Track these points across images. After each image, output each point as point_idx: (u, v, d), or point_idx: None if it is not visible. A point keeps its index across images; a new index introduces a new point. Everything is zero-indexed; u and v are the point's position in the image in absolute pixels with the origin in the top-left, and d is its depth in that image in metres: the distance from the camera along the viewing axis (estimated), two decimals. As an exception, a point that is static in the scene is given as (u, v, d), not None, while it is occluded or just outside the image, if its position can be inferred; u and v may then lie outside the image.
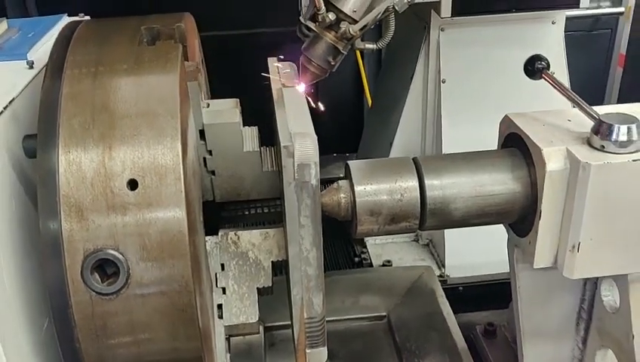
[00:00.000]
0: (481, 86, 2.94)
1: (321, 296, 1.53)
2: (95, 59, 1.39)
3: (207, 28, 4.13)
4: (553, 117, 1.78)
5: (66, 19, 2.00)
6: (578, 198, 1.60)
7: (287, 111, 1.51)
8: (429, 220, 1.73)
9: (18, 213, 1.42)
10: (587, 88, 3.98)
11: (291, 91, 1.63)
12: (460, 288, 3.04)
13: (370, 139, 3.69)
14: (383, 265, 3.08)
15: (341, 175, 4.73)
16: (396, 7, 1.76)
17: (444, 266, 3.06)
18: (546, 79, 1.80)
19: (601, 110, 1.70)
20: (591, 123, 1.66)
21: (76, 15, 2.09)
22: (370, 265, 3.11)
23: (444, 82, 2.94)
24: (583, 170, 1.57)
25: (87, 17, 2.09)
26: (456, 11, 2.69)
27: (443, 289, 2.76)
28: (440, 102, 2.98)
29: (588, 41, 4.41)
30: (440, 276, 3.03)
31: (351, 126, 4.50)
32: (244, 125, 1.68)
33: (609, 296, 1.87)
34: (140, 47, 1.42)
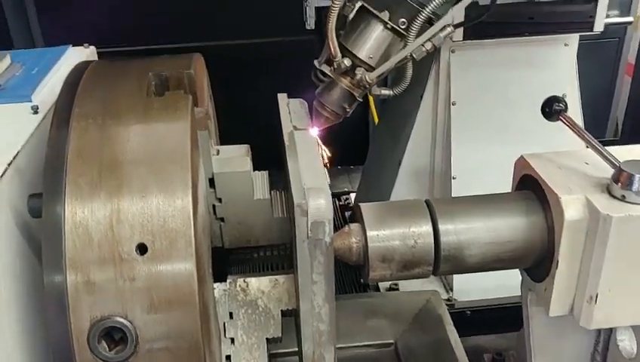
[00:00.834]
0: (491, 108, 2.90)
1: (333, 350, 1.50)
2: (102, 111, 1.34)
3: (210, 37, 4.11)
4: (570, 159, 1.74)
5: (71, 51, 1.95)
6: (597, 249, 1.55)
7: (300, 159, 1.47)
8: (442, 266, 1.69)
9: (23, 273, 1.37)
10: (595, 97, 3.95)
11: (302, 135, 1.58)
12: (468, 312, 3.00)
13: (378, 157, 3.64)
14: (390, 288, 3.04)
15: (346, 188, 4.70)
16: (414, 55, 1.70)
17: (451, 289, 3.03)
18: (563, 121, 1.75)
19: (620, 153, 1.65)
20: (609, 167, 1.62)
21: (81, 45, 2.04)
22: (377, 287, 3.06)
23: (454, 104, 2.90)
24: (603, 222, 1.52)
25: (92, 47, 2.04)
26: (468, 35, 2.64)
27: (450, 313, 2.72)
28: (450, 123, 2.94)
29: (595, 50, 4.38)
30: (447, 300, 2.99)
31: (356, 138, 4.47)
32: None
33: (625, 340, 1.83)
34: (148, 98, 1.38)
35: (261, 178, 1.63)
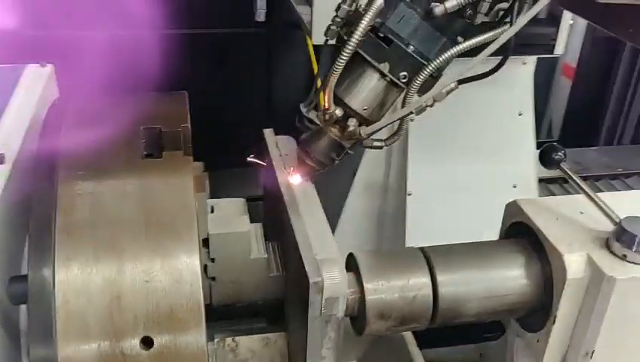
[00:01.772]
0: (449, 125, 2.85)
1: (337, 422, 1.41)
2: (92, 175, 1.17)
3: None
4: (565, 207, 1.70)
5: (27, 72, 1.72)
6: (598, 307, 1.53)
7: (306, 224, 1.35)
8: (439, 319, 1.63)
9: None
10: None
11: (302, 190, 1.47)
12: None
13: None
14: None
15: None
16: (414, 111, 1.57)
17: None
18: (562, 170, 1.71)
19: (619, 204, 1.62)
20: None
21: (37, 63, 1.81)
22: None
23: (411, 120, 2.83)
24: (606, 283, 1.50)
25: (50, 65, 1.81)
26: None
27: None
28: (407, 138, 2.88)
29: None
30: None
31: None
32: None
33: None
34: (144, 160, 1.21)
35: (255, 232, 1.49)
